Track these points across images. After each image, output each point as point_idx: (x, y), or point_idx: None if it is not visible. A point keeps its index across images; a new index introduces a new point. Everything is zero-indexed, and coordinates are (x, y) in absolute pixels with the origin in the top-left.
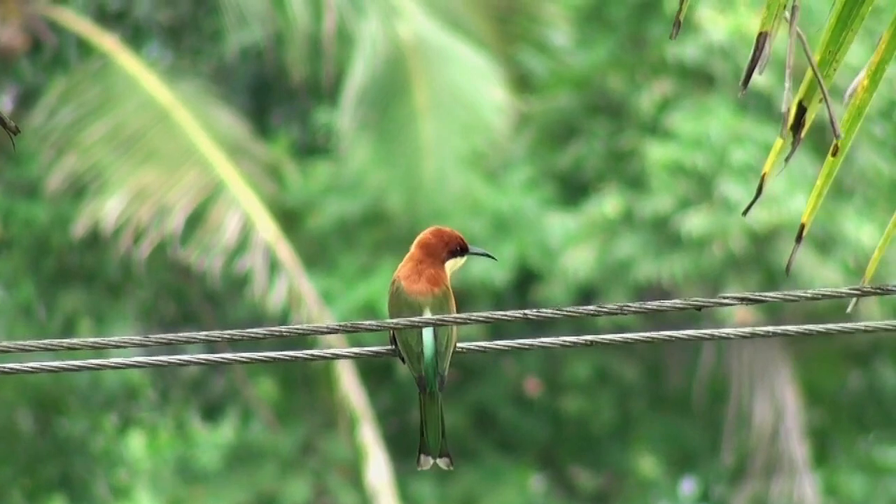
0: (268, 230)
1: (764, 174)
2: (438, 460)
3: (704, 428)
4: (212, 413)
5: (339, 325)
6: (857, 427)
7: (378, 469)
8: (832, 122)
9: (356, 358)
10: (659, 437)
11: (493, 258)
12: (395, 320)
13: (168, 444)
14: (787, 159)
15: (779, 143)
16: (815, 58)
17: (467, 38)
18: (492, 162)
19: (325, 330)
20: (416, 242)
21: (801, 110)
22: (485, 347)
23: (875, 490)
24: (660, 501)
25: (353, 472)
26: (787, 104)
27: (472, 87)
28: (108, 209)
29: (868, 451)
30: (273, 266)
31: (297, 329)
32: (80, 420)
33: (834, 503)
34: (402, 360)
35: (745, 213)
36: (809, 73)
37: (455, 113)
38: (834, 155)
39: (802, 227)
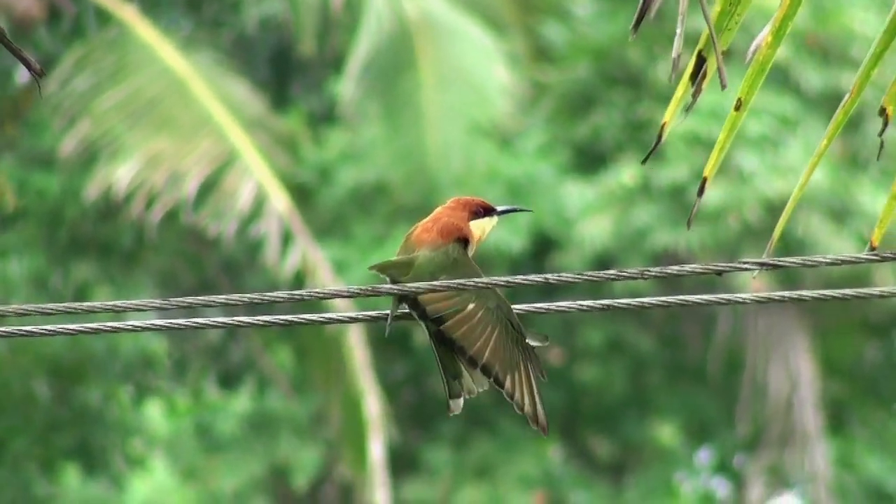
0: (280, 201)
1: (664, 123)
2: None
3: (720, 398)
4: (229, 381)
5: (360, 289)
6: (873, 399)
7: (377, 445)
8: (720, 73)
9: (373, 321)
10: (675, 407)
11: (527, 210)
12: (415, 284)
13: (185, 412)
14: (687, 109)
15: (679, 91)
16: (716, 9)
17: (485, 9)
18: (506, 133)
19: (346, 294)
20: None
21: (701, 60)
22: None
23: (891, 463)
24: (678, 471)
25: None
26: (677, 51)
27: (476, 66)
28: (121, 174)
29: (884, 423)
30: (286, 238)
31: (317, 293)
32: (97, 389)
33: (848, 475)
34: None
35: (643, 161)
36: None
37: (459, 90)
38: (737, 109)
39: (704, 180)
